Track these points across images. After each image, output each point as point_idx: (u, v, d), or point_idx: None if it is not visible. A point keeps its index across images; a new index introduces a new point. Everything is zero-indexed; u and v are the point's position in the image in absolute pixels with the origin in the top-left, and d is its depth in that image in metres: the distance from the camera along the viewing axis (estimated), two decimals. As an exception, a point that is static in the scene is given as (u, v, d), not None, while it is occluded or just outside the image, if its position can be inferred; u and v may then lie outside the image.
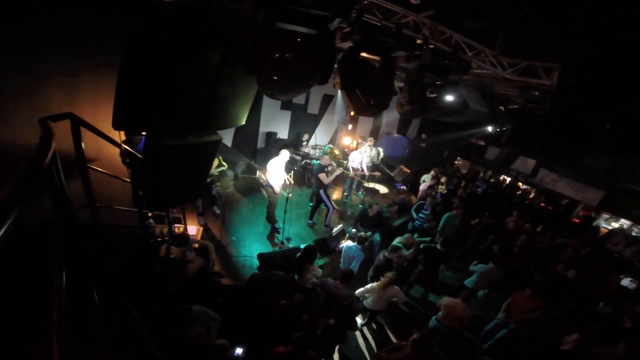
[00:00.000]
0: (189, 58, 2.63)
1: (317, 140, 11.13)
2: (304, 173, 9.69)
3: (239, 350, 3.34)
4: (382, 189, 11.05)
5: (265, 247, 6.37)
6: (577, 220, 11.80)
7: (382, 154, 10.06)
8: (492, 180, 13.74)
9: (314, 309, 4.40)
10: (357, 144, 10.87)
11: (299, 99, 10.51)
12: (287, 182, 6.46)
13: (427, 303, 6.44)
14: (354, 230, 6.83)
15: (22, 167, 1.15)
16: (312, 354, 3.26)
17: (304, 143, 10.33)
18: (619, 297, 6.64)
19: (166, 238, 4.27)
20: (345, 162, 9.51)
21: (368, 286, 4.95)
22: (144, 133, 3.49)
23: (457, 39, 4.93)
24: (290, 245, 6.30)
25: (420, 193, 9.68)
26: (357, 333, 5.43)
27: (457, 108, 5.42)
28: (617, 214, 11.37)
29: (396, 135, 14.24)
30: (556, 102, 6.59)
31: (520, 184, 13.78)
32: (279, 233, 6.75)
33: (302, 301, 3.88)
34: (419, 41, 4.41)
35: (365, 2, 4.08)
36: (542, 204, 12.12)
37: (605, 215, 11.64)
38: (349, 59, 3.91)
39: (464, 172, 14.28)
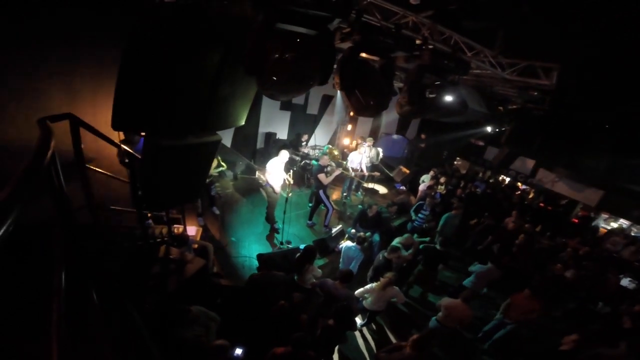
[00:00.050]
0: (189, 58, 2.63)
1: (317, 140, 11.14)
2: (303, 173, 9.69)
3: (238, 351, 3.34)
4: (382, 190, 11.06)
5: (265, 248, 6.37)
6: (577, 221, 11.83)
7: (381, 155, 10.07)
8: (491, 181, 13.76)
9: (314, 310, 4.40)
10: (357, 144, 10.87)
11: (299, 100, 10.52)
12: (287, 182, 6.46)
13: (427, 303, 6.44)
14: (353, 230, 6.83)
15: (22, 167, 1.15)
16: (311, 355, 3.26)
17: (304, 143, 10.34)
18: (618, 297, 6.64)
19: (165, 239, 4.27)
20: (344, 162, 9.52)
21: (367, 286, 4.95)
22: (143, 133, 3.49)
23: (456, 39, 4.93)
24: (290, 246, 6.30)
25: (419, 193, 9.68)
26: (357, 333, 5.43)
27: (456, 108, 5.43)
28: (616, 214, 11.39)
29: (395, 135, 14.26)
30: (555, 102, 6.60)
31: (519, 184, 13.80)
32: (278, 233, 6.75)
33: (301, 301, 3.88)
34: (418, 41, 4.42)
35: (365, 2, 4.08)
36: (542, 204, 12.14)
37: (605, 216, 11.67)
38: (349, 59, 3.91)
39: (463, 173, 14.29)
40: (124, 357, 1.93)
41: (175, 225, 4.79)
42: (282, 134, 10.83)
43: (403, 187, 11.16)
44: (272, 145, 10.07)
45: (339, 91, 4.22)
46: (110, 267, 2.84)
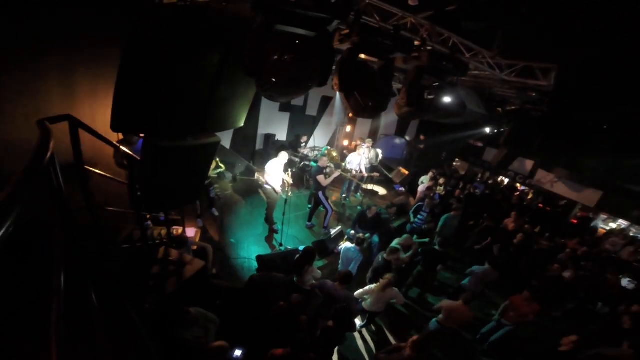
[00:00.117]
0: (189, 58, 2.63)
1: (316, 142, 11.15)
2: (302, 175, 9.70)
3: (238, 352, 3.33)
4: (381, 191, 11.07)
5: (264, 249, 6.36)
6: (576, 221, 11.84)
7: (380, 156, 10.08)
8: (490, 182, 13.77)
9: (313, 311, 4.39)
10: (356, 145, 10.88)
11: (298, 101, 10.54)
12: (286, 183, 6.47)
13: (426, 304, 6.43)
14: (352, 232, 6.83)
15: (21, 169, 1.15)
16: (311, 356, 3.25)
17: (303, 145, 10.34)
18: (617, 297, 6.65)
19: (165, 240, 4.26)
20: (343, 164, 9.52)
21: (367, 288, 4.95)
22: (141, 135, 3.49)
23: (454, 41, 4.95)
24: (288, 248, 6.30)
25: (418, 194, 9.69)
26: (357, 334, 5.43)
27: (455, 109, 5.44)
28: (615, 215, 11.41)
29: (394, 137, 14.27)
30: (553, 103, 6.62)
31: (518, 185, 13.82)
32: (277, 233, 6.76)
33: (300, 302, 3.87)
34: (416, 43, 4.43)
35: (364, 3, 4.10)
36: (541, 205, 12.16)
37: (603, 216, 11.69)
38: (348, 60, 3.92)
39: (462, 174, 14.31)
40: (123, 358, 1.93)
41: (174, 227, 4.79)
42: (282, 136, 10.84)
43: (402, 189, 11.17)
44: (272, 147, 10.08)
45: (338, 92, 4.23)
46: (110, 268, 2.84)
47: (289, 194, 6.42)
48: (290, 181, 6.54)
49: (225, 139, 8.93)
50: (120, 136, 4.09)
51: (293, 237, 6.88)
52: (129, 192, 3.32)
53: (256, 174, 7.45)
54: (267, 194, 6.64)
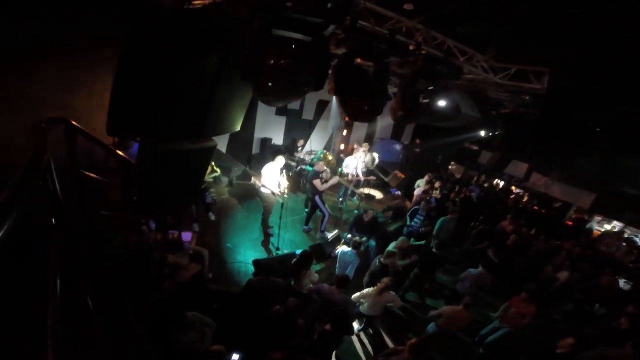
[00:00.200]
0: (188, 60, 2.63)
1: (313, 146, 11.16)
2: (299, 179, 9.69)
3: (235, 357, 3.31)
4: (378, 195, 11.09)
5: (261, 254, 6.33)
6: (571, 223, 11.93)
7: (377, 160, 10.12)
8: (486, 185, 13.86)
9: (311, 315, 4.38)
10: (353, 149, 10.90)
11: (294, 105, 10.54)
12: (283, 187, 6.47)
13: (424, 307, 6.43)
14: (349, 235, 6.83)
15: (18, 173, 1.15)
16: (309, 360, 3.25)
17: (299, 149, 10.36)
18: (615, 298, 6.70)
19: (161, 244, 4.24)
20: (339, 169, 9.54)
21: (364, 291, 4.94)
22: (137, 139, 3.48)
23: (449, 45, 5.01)
24: (286, 252, 6.29)
25: (415, 198, 9.71)
26: (354, 338, 5.41)
27: (450, 113, 5.50)
28: (609, 217, 11.52)
29: (391, 140, 14.33)
30: (547, 106, 6.70)
31: (513, 188, 13.91)
32: (272, 236, 6.75)
33: (297, 306, 3.86)
34: (411, 47, 4.48)
35: (360, 7, 4.14)
36: (536, 208, 12.24)
37: (598, 218, 11.79)
38: (344, 65, 3.96)
39: (458, 177, 14.39)
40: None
41: (170, 231, 4.76)
42: (278, 140, 10.83)
43: (399, 192, 11.19)
44: (268, 151, 10.07)
45: (334, 97, 4.26)
46: (106, 272, 2.82)
47: (285, 195, 6.42)
48: (287, 183, 6.55)
49: (222, 143, 8.90)
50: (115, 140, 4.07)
51: (290, 241, 6.85)
52: (124, 197, 3.31)
53: (253, 179, 7.44)
54: (264, 198, 6.64)
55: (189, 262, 4.10)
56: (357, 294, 4.92)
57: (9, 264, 1.65)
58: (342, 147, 12.58)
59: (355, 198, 9.84)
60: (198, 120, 3.09)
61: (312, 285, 4.67)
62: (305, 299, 4.45)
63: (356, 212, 8.71)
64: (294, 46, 3.20)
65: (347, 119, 11.63)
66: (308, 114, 11.34)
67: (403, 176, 11.19)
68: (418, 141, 13.45)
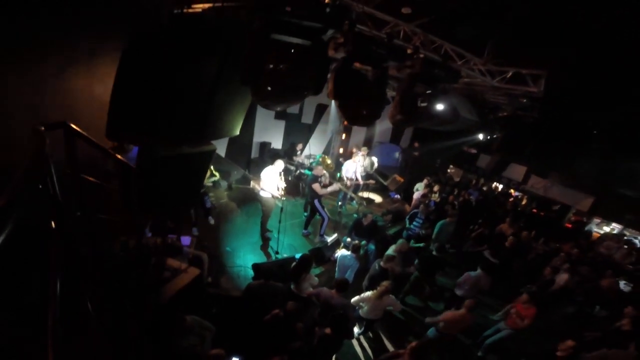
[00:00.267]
0: (187, 64, 2.65)
1: (311, 149, 11.18)
2: (298, 183, 9.70)
3: (234, 361, 3.30)
4: (377, 198, 11.10)
5: (260, 258, 6.33)
6: (570, 225, 11.94)
7: (376, 164, 10.15)
8: (484, 188, 13.89)
9: (310, 319, 4.37)
10: (352, 152, 10.93)
11: (293, 109, 10.58)
12: (280, 190, 6.49)
13: (424, 310, 6.42)
14: (348, 239, 6.83)
15: (17, 177, 1.16)
16: (308, 364, 3.23)
17: (298, 153, 10.38)
18: (616, 300, 6.69)
19: (160, 248, 4.23)
20: (338, 173, 9.55)
21: (364, 295, 4.92)
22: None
23: (446, 48, 5.04)
24: (285, 255, 6.28)
25: (413, 201, 9.72)
26: (354, 342, 5.39)
27: (448, 117, 5.52)
28: (608, 218, 11.54)
29: (389, 144, 14.36)
30: (544, 108, 6.74)
31: (512, 190, 13.94)
32: (269, 239, 6.77)
33: (296, 310, 3.85)
34: (409, 51, 4.51)
35: (358, 11, 4.17)
36: (534, 210, 12.26)
37: (597, 220, 11.81)
38: (342, 69, 3.98)
39: (456, 180, 14.41)
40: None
41: (169, 235, 4.76)
42: (277, 144, 10.86)
43: (397, 196, 11.20)
44: (267, 155, 10.09)
45: (333, 100, 4.27)
46: (105, 275, 2.81)
47: (283, 198, 6.44)
48: (283, 184, 6.57)
49: (221, 147, 8.91)
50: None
51: (289, 245, 6.85)
52: (124, 200, 3.30)
53: (251, 182, 7.44)
54: (262, 201, 6.64)
55: (188, 266, 4.09)
56: (357, 298, 4.91)
57: (9, 266, 1.65)
58: (341, 150, 12.61)
59: (354, 202, 9.84)
60: (197, 124, 3.11)
61: (311, 289, 4.66)
62: (304, 302, 4.44)
63: (355, 215, 8.73)
64: (292, 50, 3.23)
65: (345, 122, 11.67)
66: (307, 118, 11.37)
67: (402, 180, 11.21)
68: (416, 145, 13.48)
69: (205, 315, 3.56)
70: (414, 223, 7.82)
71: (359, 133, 13.24)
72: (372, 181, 10.03)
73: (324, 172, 7.49)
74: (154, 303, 3.27)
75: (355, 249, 5.59)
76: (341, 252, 5.91)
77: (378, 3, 4.28)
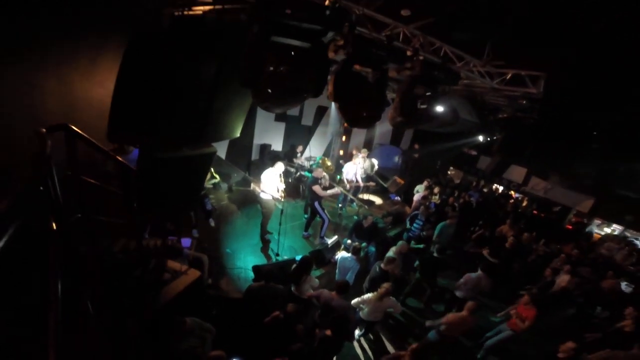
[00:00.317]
0: (188, 65, 2.65)
1: (312, 151, 11.18)
2: (298, 185, 9.70)
3: (235, 363, 3.29)
4: (377, 200, 11.10)
5: (260, 259, 6.33)
6: (570, 227, 11.94)
7: (376, 167, 10.15)
8: (485, 190, 13.88)
9: (310, 320, 4.36)
10: (352, 155, 10.94)
11: (293, 111, 10.58)
12: (280, 193, 6.49)
13: (425, 312, 6.41)
14: (349, 241, 6.83)
15: (19, 180, 1.16)
16: (309, 366, 3.23)
17: (298, 155, 10.38)
18: (617, 301, 6.68)
19: (160, 250, 4.23)
20: (338, 176, 9.56)
21: (364, 297, 4.92)
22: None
23: (446, 50, 5.06)
24: (286, 257, 6.28)
25: (414, 203, 9.73)
26: (355, 344, 5.38)
27: (447, 118, 5.53)
28: (608, 220, 11.54)
29: (389, 146, 14.37)
30: (544, 109, 6.74)
31: (512, 192, 13.94)
32: (270, 241, 6.78)
33: (296, 311, 3.85)
34: (409, 53, 4.52)
35: (358, 14, 4.18)
36: (535, 212, 12.25)
37: (598, 221, 11.80)
38: (342, 71, 3.99)
39: (457, 182, 14.41)
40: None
41: (170, 237, 4.76)
42: (277, 146, 10.86)
43: (398, 198, 11.21)
44: (267, 157, 10.09)
45: (333, 102, 4.28)
46: (105, 278, 2.81)
47: (282, 199, 6.44)
48: (283, 185, 6.58)
49: (221, 150, 8.91)
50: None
51: (289, 247, 6.85)
52: (124, 202, 3.31)
53: (252, 184, 7.45)
54: (262, 203, 6.64)
55: (188, 268, 4.09)
56: (357, 299, 4.90)
57: (9, 265, 1.65)
58: (341, 152, 12.61)
59: (355, 204, 9.84)
60: (197, 125, 3.11)
61: (312, 291, 4.66)
62: (305, 304, 4.44)
63: (355, 217, 8.73)
64: (292, 52, 3.24)
65: (345, 124, 11.68)
66: (307, 120, 11.38)
67: (402, 181, 11.21)
68: (417, 146, 13.49)
69: (206, 317, 3.56)
70: (415, 225, 7.82)
71: (359, 135, 13.25)
72: (372, 183, 10.03)
73: (324, 174, 7.50)
74: (154, 305, 3.27)
75: (355, 251, 5.58)
76: (341, 254, 5.91)
77: (378, 5, 4.29)
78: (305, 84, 3.48)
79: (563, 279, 6.89)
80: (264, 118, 9.83)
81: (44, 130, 1.92)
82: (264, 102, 3.33)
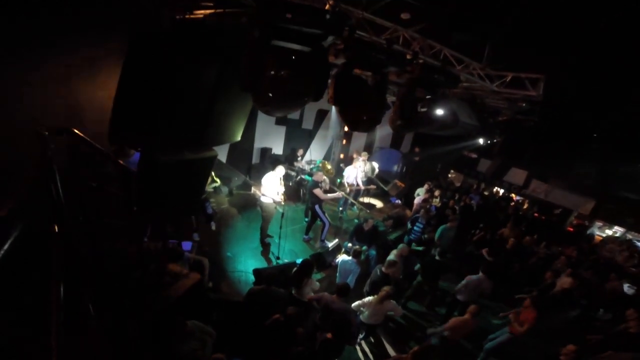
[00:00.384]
0: (189, 67, 2.67)
1: (312, 155, 11.20)
2: (298, 189, 9.71)
3: (235, 366, 3.29)
4: (377, 203, 11.09)
5: (261, 263, 6.32)
6: (572, 229, 11.91)
7: (377, 170, 10.15)
8: (485, 193, 13.87)
9: (311, 323, 4.35)
10: (352, 158, 10.95)
11: (294, 115, 10.60)
12: (281, 196, 6.50)
13: (426, 315, 6.39)
14: (350, 244, 6.82)
15: (19, 181, 1.17)
16: (310, 369, 3.22)
17: (299, 158, 10.40)
18: (620, 303, 6.65)
19: (161, 253, 4.23)
20: (338, 180, 9.56)
21: (365, 300, 4.90)
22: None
23: (445, 53, 5.09)
24: (286, 261, 6.27)
25: (414, 207, 9.72)
26: (356, 347, 5.36)
27: (447, 122, 5.54)
28: (609, 222, 11.51)
29: (390, 149, 14.37)
30: (543, 112, 6.76)
31: (513, 195, 13.92)
32: (270, 245, 6.80)
33: (296, 314, 3.84)
34: (408, 56, 4.54)
35: (358, 17, 4.21)
36: (536, 214, 12.23)
37: (599, 223, 11.77)
38: (343, 74, 4.01)
39: (457, 185, 14.40)
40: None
41: (171, 241, 4.76)
42: (278, 149, 10.88)
43: (398, 201, 11.20)
44: (268, 161, 10.10)
45: (333, 106, 4.30)
46: (106, 280, 2.81)
47: (283, 204, 6.45)
48: (283, 188, 6.59)
49: (222, 153, 8.92)
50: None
51: (290, 251, 6.85)
52: (125, 205, 3.32)
53: (252, 188, 7.45)
54: (263, 207, 6.65)
55: (189, 271, 4.09)
56: (358, 302, 4.89)
57: (9, 266, 1.66)
58: (342, 156, 12.64)
59: (355, 207, 9.84)
60: (198, 128, 3.13)
61: (312, 294, 4.65)
62: (306, 307, 4.43)
63: (356, 221, 8.71)
64: (293, 56, 3.26)
65: (346, 128, 11.71)
66: (307, 124, 11.41)
67: (402, 185, 11.20)
68: (417, 150, 13.50)
69: (206, 320, 3.56)
70: (415, 227, 7.82)
71: (360, 138, 13.27)
72: (372, 186, 10.03)
73: (325, 177, 7.51)
74: (155, 308, 3.26)
75: (356, 254, 5.58)
76: (342, 258, 5.91)
77: (377, 9, 4.33)
78: (305, 87, 3.49)
79: (564, 281, 6.87)
80: (264, 122, 9.86)
81: (47, 132, 1.94)
82: (264, 105, 3.34)
